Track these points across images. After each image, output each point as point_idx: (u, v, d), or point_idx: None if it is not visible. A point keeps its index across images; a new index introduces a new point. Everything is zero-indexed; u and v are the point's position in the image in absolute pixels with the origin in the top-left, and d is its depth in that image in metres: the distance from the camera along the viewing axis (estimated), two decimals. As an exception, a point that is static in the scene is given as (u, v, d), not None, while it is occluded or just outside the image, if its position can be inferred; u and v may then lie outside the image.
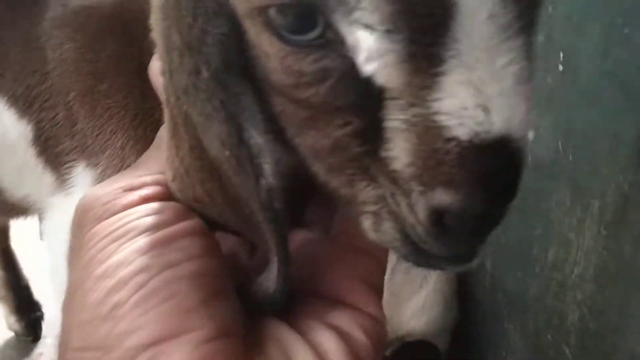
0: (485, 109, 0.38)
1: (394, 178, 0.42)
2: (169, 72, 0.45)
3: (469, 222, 0.44)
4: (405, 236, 0.45)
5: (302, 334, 0.45)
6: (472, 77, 0.38)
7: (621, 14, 0.95)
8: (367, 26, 0.37)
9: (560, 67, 1.10)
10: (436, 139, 0.39)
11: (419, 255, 0.47)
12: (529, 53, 0.40)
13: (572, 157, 1.10)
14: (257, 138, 0.44)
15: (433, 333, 1.58)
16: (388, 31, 0.37)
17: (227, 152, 0.43)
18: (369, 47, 0.38)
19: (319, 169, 0.47)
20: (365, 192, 0.45)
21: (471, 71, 0.38)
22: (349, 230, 0.51)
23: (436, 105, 0.38)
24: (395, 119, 0.40)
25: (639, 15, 0.91)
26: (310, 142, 0.45)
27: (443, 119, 0.38)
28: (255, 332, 0.44)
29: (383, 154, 0.42)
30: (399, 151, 0.41)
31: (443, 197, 0.41)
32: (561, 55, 1.09)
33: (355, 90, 0.40)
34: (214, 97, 0.43)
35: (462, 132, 0.38)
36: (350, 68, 0.40)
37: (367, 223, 0.46)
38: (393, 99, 0.40)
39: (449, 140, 0.39)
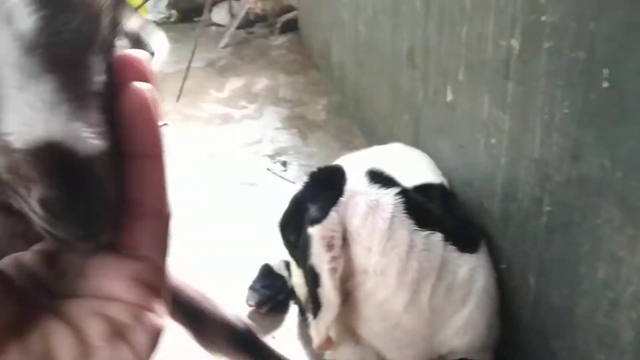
0: (28, 125, 0.51)
1: (12, 190, 0.55)
2: None
3: (60, 207, 0.53)
4: (44, 230, 0.55)
5: (69, 322, 0.47)
6: (14, 107, 0.50)
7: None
8: None
9: (605, 84, 1.08)
10: (10, 152, 0.52)
11: (58, 241, 0.56)
12: (70, 82, 0.51)
13: (621, 174, 1.08)
14: None
15: (476, 351, 1.56)
16: None
17: None
18: None
19: None
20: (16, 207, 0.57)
21: (13, 104, 0.51)
22: (117, 241, 0.51)
23: (1, 130, 0.51)
24: None
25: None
26: None
27: (8, 138, 0.51)
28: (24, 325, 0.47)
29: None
30: (3, 169, 0.54)
31: (36, 191, 0.52)
32: (605, 72, 1.08)
33: None
34: None
35: (19, 144, 0.51)
36: None
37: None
38: None
39: (15, 150, 0.51)
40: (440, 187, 1.84)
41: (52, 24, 0.56)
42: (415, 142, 2.19)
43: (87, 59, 0.57)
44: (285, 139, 3.06)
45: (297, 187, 2.59)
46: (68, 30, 0.57)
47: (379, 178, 1.58)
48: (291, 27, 4.57)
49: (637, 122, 1.03)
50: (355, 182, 1.56)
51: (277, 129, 3.17)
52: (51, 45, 0.56)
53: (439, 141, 1.98)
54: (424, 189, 1.82)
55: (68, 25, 0.57)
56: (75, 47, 0.58)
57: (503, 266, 1.60)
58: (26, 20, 0.55)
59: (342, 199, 1.52)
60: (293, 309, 1.95)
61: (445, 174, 1.93)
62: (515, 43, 1.38)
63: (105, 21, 0.59)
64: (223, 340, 1.30)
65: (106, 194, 0.54)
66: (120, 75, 0.48)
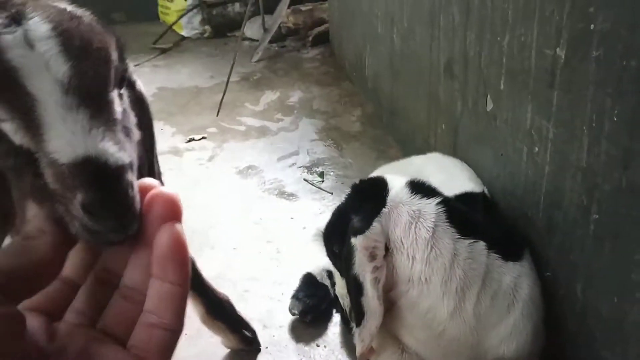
0: (70, 146, 0.72)
1: (60, 195, 0.74)
2: None
3: (99, 207, 0.72)
4: (82, 225, 0.73)
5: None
6: (58, 133, 0.72)
7: None
8: (2, 120, 0.73)
9: (657, 91, 1.08)
10: (56, 166, 0.71)
11: (91, 234, 0.74)
12: (100, 110, 0.75)
13: (674, 182, 1.08)
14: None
15: (522, 359, 1.55)
16: (10, 119, 0.73)
17: None
18: (9, 130, 0.74)
19: (38, 203, 0.81)
20: (62, 209, 0.75)
21: (57, 130, 0.72)
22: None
23: (47, 150, 0.72)
24: (43, 162, 0.74)
25: None
26: (24, 188, 0.81)
27: (54, 156, 0.71)
28: None
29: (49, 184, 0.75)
30: (49, 179, 0.74)
31: (79, 196, 0.71)
32: (658, 79, 1.08)
33: (23, 154, 0.76)
34: None
35: (64, 160, 0.70)
36: (12, 143, 0.75)
37: (70, 227, 0.76)
38: (35, 152, 0.74)
39: (61, 165, 0.71)
40: (481, 196, 1.84)
41: (80, 69, 0.78)
42: (454, 151, 2.19)
43: (108, 93, 0.81)
44: (321, 150, 3.08)
45: (334, 197, 2.62)
46: (92, 73, 0.80)
47: (420, 188, 1.59)
48: (323, 39, 4.61)
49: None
50: (397, 192, 1.57)
51: (313, 140, 3.19)
52: (81, 85, 0.77)
53: (479, 150, 1.98)
54: (465, 198, 1.82)
55: (91, 69, 0.80)
56: (98, 85, 0.80)
57: (548, 275, 1.60)
58: (61, 67, 0.77)
59: (385, 210, 1.53)
60: (336, 318, 1.96)
61: (485, 182, 1.93)
62: (561, 52, 1.38)
63: (115, 63, 0.82)
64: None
65: (131, 194, 0.73)
66: (156, 212, 0.60)
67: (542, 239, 1.60)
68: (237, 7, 4.99)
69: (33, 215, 0.66)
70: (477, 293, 1.50)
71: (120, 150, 0.77)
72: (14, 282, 0.56)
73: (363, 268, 1.50)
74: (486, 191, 1.89)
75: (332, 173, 2.85)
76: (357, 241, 1.50)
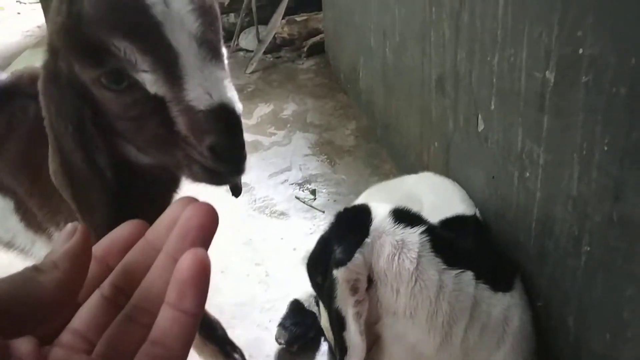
0: (208, 94, 0.85)
1: (185, 141, 0.88)
2: (51, 121, 0.99)
3: (227, 148, 0.87)
4: (204, 168, 0.89)
5: None
6: (197, 82, 0.85)
7: None
8: (144, 71, 0.86)
9: (649, 122, 1.02)
10: (193, 113, 0.85)
11: (215, 176, 0.91)
12: (222, 62, 0.92)
13: (667, 219, 1.01)
14: (98, 141, 1.01)
15: (513, 395, 1.48)
16: (152, 71, 0.85)
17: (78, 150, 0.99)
18: (149, 80, 0.86)
19: (147, 151, 1.00)
20: (180, 154, 0.91)
21: (196, 79, 0.85)
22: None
23: (187, 98, 0.85)
24: (174, 110, 0.86)
25: None
26: (142, 137, 0.95)
27: (192, 103, 0.85)
28: None
29: (175, 130, 0.88)
30: (181, 126, 0.87)
31: (208, 139, 0.85)
32: (649, 109, 1.01)
33: (152, 103, 0.88)
34: (74, 136, 0.98)
35: (202, 106, 0.84)
36: (145, 93, 0.87)
37: (187, 171, 0.93)
38: (169, 101, 0.87)
39: (198, 111, 0.85)
40: (473, 219, 1.78)
41: (206, 24, 0.89)
42: (446, 170, 2.13)
43: (222, 44, 0.94)
44: (314, 165, 3.02)
45: (326, 216, 2.55)
46: (214, 27, 0.92)
47: (404, 216, 1.52)
48: (318, 50, 4.54)
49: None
50: (380, 221, 1.50)
51: (305, 155, 3.13)
52: (209, 39, 0.89)
53: (471, 171, 1.91)
54: (456, 222, 1.76)
55: (213, 24, 0.92)
56: (218, 38, 0.93)
57: (540, 305, 1.53)
58: (194, 23, 0.88)
59: (367, 240, 1.46)
60: (324, 347, 1.90)
61: (477, 204, 1.86)
62: (550, 75, 1.32)
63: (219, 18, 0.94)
64: None
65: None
66: (187, 225, 0.49)
67: (534, 267, 1.53)
68: (231, 17, 4.92)
69: (55, 244, 0.51)
70: (464, 327, 1.44)
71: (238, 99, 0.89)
72: (6, 316, 0.45)
73: (345, 302, 1.44)
74: (478, 214, 1.82)
75: (324, 190, 2.78)
76: (338, 273, 1.44)
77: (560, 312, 1.44)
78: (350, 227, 1.53)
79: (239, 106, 0.88)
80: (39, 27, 5.94)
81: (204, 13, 0.89)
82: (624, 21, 1.05)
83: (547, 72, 1.33)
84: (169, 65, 0.85)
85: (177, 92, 0.85)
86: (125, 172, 1.06)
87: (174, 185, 1.21)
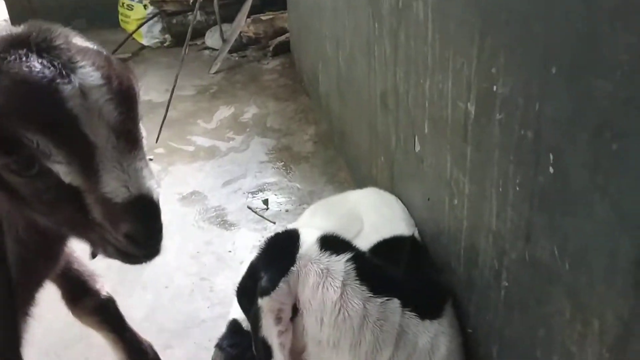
0: (125, 187, 0.85)
1: (100, 226, 0.88)
2: None
3: (145, 237, 0.88)
4: (118, 250, 0.90)
5: None
6: (115, 175, 0.84)
7: (608, 124, 0.86)
8: (59, 162, 0.84)
9: (551, 170, 1.01)
10: (109, 204, 0.85)
11: (129, 258, 0.92)
12: (140, 151, 0.91)
13: (568, 267, 1.01)
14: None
15: None
16: (67, 163, 0.84)
17: None
18: (63, 171, 0.84)
19: (68, 230, 1.00)
20: (94, 236, 0.91)
21: (113, 173, 0.85)
22: None
23: (103, 190, 0.85)
24: (89, 199, 0.87)
25: (628, 127, 0.82)
26: (55, 219, 0.95)
27: (109, 196, 0.85)
28: None
29: (90, 217, 0.88)
30: (96, 214, 0.87)
31: (124, 228, 0.86)
32: (551, 157, 1.00)
33: (67, 191, 0.86)
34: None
35: (119, 199, 0.84)
36: (60, 181, 0.85)
37: (101, 250, 0.93)
38: (84, 191, 0.86)
39: (115, 203, 0.85)
40: (410, 240, 1.77)
41: (126, 113, 0.87)
42: (391, 186, 2.12)
43: (142, 137, 0.92)
44: (270, 173, 3.00)
45: (277, 227, 2.53)
46: (133, 114, 0.90)
47: (331, 243, 1.51)
48: (284, 49, 4.51)
49: (583, 216, 0.95)
50: (307, 249, 1.49)
51: (262, 162, 3.10)
52: (128, 128, 0.87)
53: (411, 189, 1.90)
54: (393, 243, 1.75)
55: (132, 110, 0.90)
56: (137, 124, 0.91)
57: (470, 331, 1.53)
58: (112, 113, 0.85)
59: (293, 269, 1.45)
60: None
61: (417, 223, 1.86)
62: (471, 107, 1.31)
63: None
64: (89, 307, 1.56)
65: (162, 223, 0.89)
66: None
67: (464, 294, 1.53)
68: (198, 15, 4.87)
69: None
70: (389, 357, 1.43)
71: (157, 184, 0.89)
72: None
73: (270, 331, 1.42)
74: (417, 234, 1.81)
75: (277, 200, 2.76)
76: (263, 303, 1.42)
77: (486, 341, 1.43)
78: (278, 254, 1.52)
79: (157, 193, 0.88)
80: None
81: (123, 99, 0.87)
82: (531, 64, 1.04)
83: (468, 104, 1.32)
84: (85, 158, 0.84)
85: (93, 184, 0.85)
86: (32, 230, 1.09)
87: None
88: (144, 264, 0.95)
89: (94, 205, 0.87)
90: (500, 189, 1.21)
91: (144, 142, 0.94)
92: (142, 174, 0.88)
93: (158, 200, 0.89)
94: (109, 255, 0.95)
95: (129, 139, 0.88)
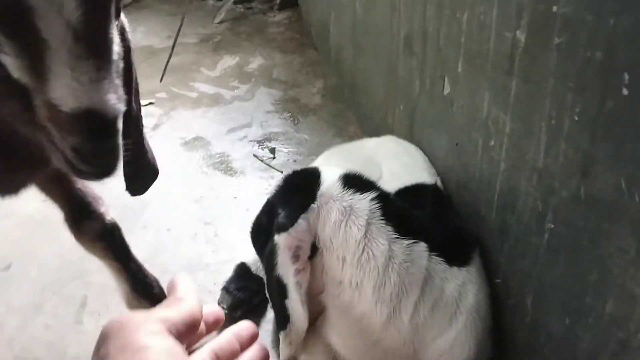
0: (74, 96, 0.76)
1: (49, 131, 0.81)
2: None
3: (90, 151, 0.80)
4: (67, 161, 0.83)
5: None
6: (65, 82, 0.75)
7: None
8: (7, 54, 0.74)
9: (625, 91, 0.91)
10: (56, 111, 0.77)
11: (77, 172, 0.84)
12: (102, 61, 0.79)
13: (639, 199, 0.91)
14: None
15: (464, 375, 1.40)
16: (15, 56, 0.74)
17: None
18: (11, 64, 0.75)
19: (18, 127, 0.90)
20: (44, 140, 0.85)
21: (63, 79, 0.75)
22: None
23: (51, 95, 0.76)
24: (37, 100, 0.78)
25: None
26: (5, 112, 0.87)
27: (56, 102, 0.76)
28: None
29: (38, 120, 0.81)
30: (43, 118, 0.79)
31: (71, 140, 0.80)
32: (626, 76, 0.90)
33: (14, 86, 0.77)
34: None
35: (67, 108, 0.76)
36: (8, 74, 0.76)
37: (50, 154, 0.86)
38: (33, 90, 0.78)
39: (62, 112, 0.77)
40: (433, 188, 1.67)
41: (90, 12, 0.74)
42: (410, 135, 2.02)
43: (110, 31, 0.79)
44: (276, 123, 2.88)
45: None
46: (100, 15, 0.78)
47: (355, 181, 1.41)
48: (291, 2, 4.36)
49: (661, 139, 0.85)
50: (329, 186, 1.39)
51: (268, 112, 2.99)
52: (91, 31, 0.75)
53: (435, 137, 1.80)
54: (415, 191, 1.65)
55: (99, 11, 0.77)
56: (105, 28, 0.79)
57: (498, 281, 1.44)
58: (74, 11, 0.73)
59: (314, 206, 1.35)
60: (270, 314, 1.79)
61: (440, 173, 1.76)
62: (521, 35, 1.20)
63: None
64: (93, 232, 1.46)
65: (119, 143, 0.80)
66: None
67: (494, 242, 1.44)
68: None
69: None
70: (415, 301, 1.34)
71: (118, 100, 0.80)
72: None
73: (286, 269, 1.33)
74: (439, 183, 1.72)
75: (284, 149, 2.66)
76: (280, 239, 1.33)
77: (519, 291, 1.35)
78: (297, 191, 1.42)
79: (114, 109, 0.80)
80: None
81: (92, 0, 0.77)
82: (606, -25, 0.93)
83: (517, 32, 1.21)
84: (34, 55, 0.75)
85: (41, 86, 0.77)
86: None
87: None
88: (95, 181, 0.88)
89: (42, 108, 0.79)
90: (553, 122, 1.11)
91: (115, 54, 0.83)
92: (97, 86, 0.78)
93: (114, 118, 0.81)
94: (58, 164, 0.87)
95: (90, 45, 0.77)
